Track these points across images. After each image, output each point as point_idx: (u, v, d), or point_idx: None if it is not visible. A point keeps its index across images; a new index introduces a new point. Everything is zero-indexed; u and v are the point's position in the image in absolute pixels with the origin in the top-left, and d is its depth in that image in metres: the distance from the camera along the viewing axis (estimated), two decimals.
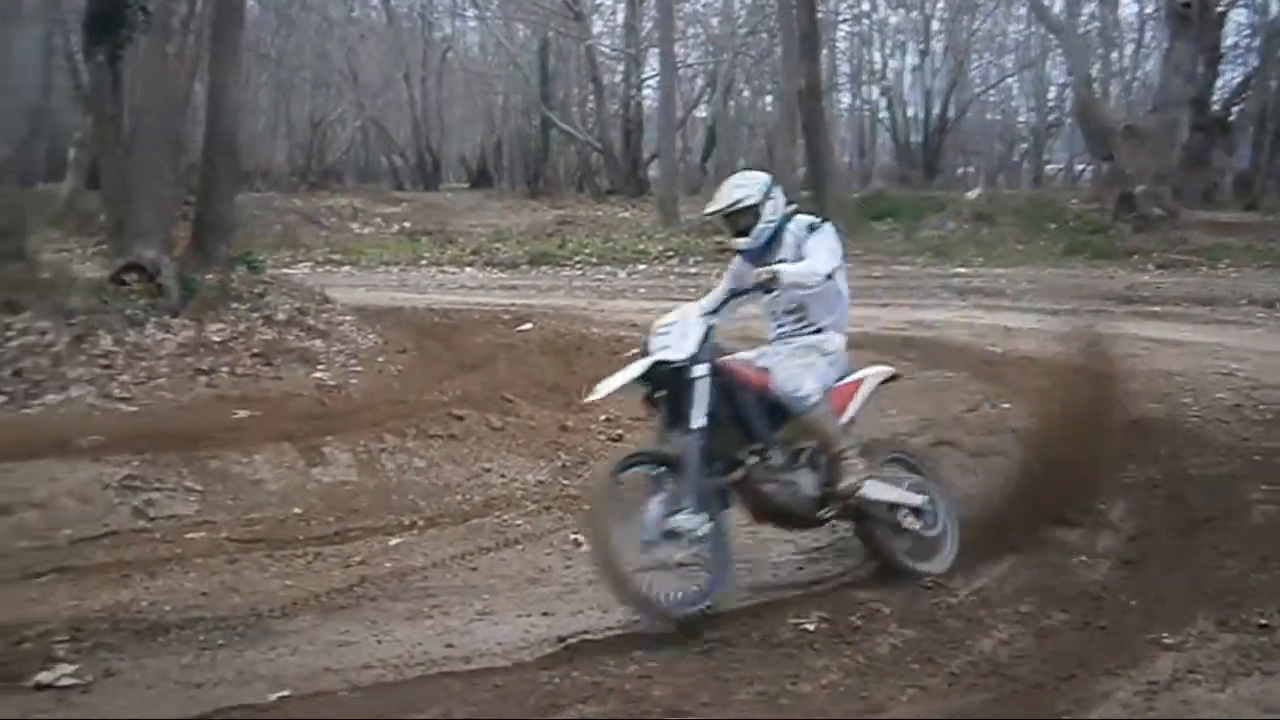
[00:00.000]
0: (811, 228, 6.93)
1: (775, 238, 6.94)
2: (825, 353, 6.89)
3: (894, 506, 6.75)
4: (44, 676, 5.41)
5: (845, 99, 52.12)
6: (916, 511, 6.80)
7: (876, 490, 6.68)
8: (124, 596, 6.39)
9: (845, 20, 48.21)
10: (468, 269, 25.97)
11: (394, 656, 5.73)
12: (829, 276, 6.82)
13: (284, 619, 6.18)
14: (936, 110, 46.77)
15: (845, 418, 6.83)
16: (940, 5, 47.60)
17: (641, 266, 25.33)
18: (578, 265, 25.89)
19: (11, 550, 7.10)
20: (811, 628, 5.89)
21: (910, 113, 48.41)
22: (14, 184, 22.97)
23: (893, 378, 7.40)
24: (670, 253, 26.66)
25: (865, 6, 48.30)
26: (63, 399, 11.06)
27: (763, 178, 7.09)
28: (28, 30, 41.90)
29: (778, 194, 7.02)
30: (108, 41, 17.56)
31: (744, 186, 6.98)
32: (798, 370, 6.69)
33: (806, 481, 6.57)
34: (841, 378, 6.96)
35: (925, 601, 6.22)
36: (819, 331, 7.01)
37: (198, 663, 5.63)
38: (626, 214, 35.61)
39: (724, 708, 5.08)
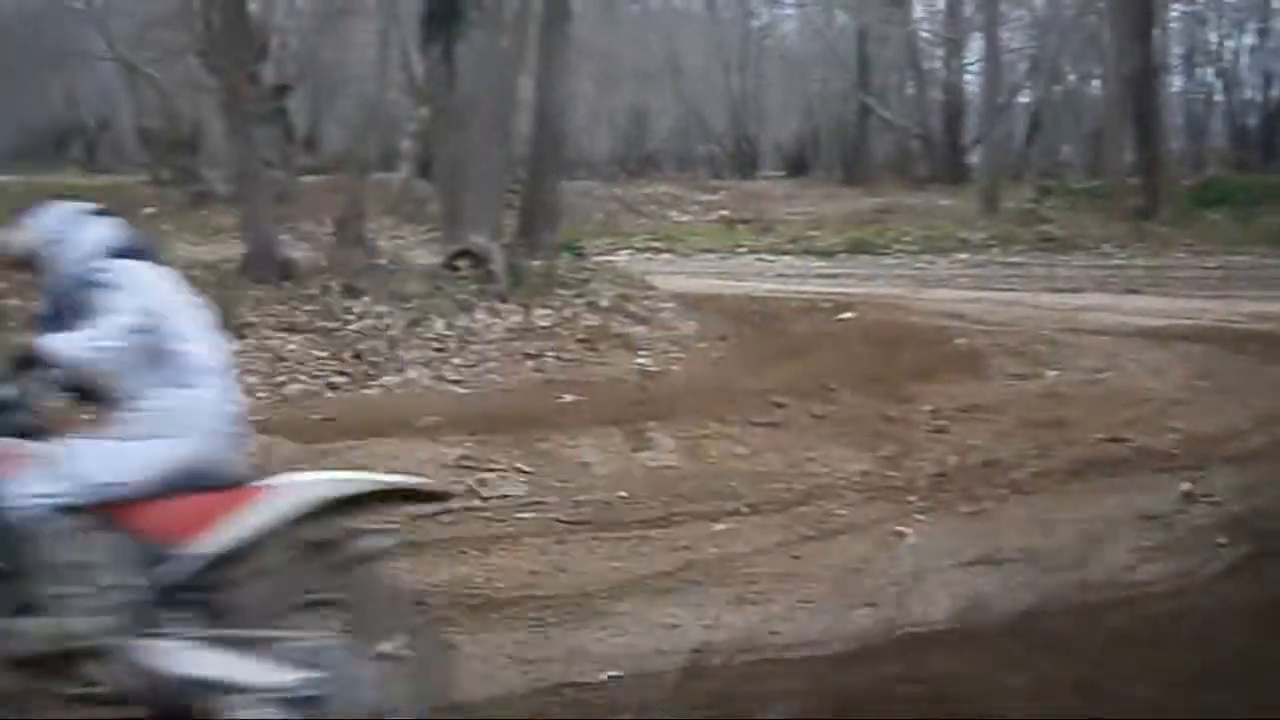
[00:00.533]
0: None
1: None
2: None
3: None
4: (385, 647, 5.61)
5: (1177, 81, 50.00)
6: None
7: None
8: (460, 572, 6.58)
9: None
10: (785, 257, 25.97)
11: (719, 640, 5.75)
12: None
13: (612, 600, 6.27)
14: (1276, 92, 44.42)
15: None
16: None
17: (963, 255, 24.89)
18: (897, 253, 25.61)
19: None
20: None
21: (1247, 95, 46.15)
22: (352, 174, 23.92)
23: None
24: (992, 241, 26.11)
25: None
26: (399, 380, 11.53)
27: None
28: (365, 26, 43.80)
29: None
30: (443, 36, 18.18)
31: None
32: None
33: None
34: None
35: None
36: None
37: (530, 639, 5.76)
38: (946, 202, 34.97)
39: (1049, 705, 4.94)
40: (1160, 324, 14.08)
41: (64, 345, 4.32)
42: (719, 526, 7.55)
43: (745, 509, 7.88)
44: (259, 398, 10.77)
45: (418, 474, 8.10)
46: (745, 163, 48.80)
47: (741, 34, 49.60)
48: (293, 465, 8.21)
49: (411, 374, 11.69)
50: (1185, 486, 7.86)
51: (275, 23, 36.46)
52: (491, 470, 8.30)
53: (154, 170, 39.42)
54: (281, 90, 36.17)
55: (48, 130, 59.41)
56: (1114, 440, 9.20)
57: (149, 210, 31.54)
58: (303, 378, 11.30)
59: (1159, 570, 6.51)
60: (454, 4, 17.83)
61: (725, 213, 34.93)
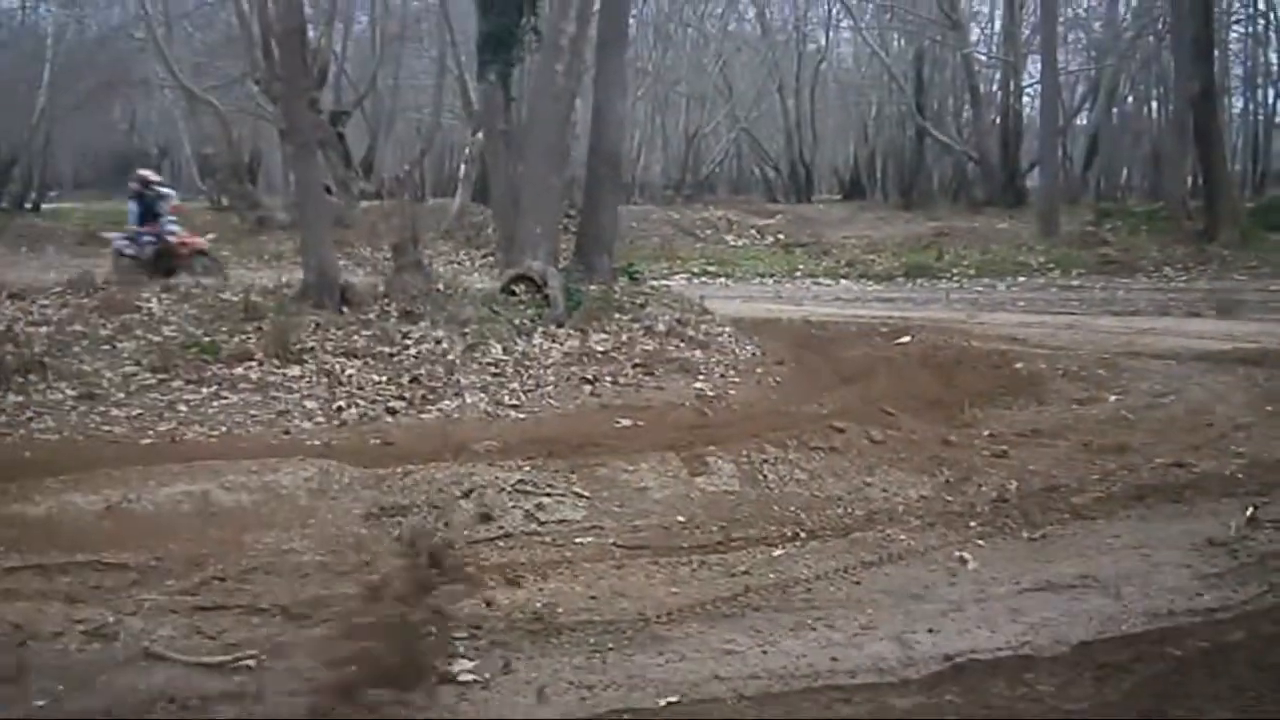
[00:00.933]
0: None
1: None
2: None
3: None
4: (445, 669, 5.63)
5: (1238, 103, 49.63)
6: None
7: None
8: (519, 597, 6.57)
9: (1239, 20, 45.92)
10: (843, 281, 25.97)
11: (779, 667, 5.72)
12: None
13: (671, 625, 6.25)
14: None
15: None
16: None
17: (1021, 279, 24.82)
18: (954, 277, 25.55)
19: (414, 549, 7.42)
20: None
21: None
22: (410, 199, 24.10)
23: None
24: (1051, 265, 26.03)
25: (1261, 6, 45.89)
26: (457, 405, 11.56)
27: None
28: (422, 52, 44.16)
29: None
30: (499, 62, 18.31)
31: None
32: None
33: None
34: None
35: None
36: None
37: (589, 664, 5.75)
38: (1004, 225, 34.82)
39: None
40: (1223, 347, 13.95)
41: None
42: (778, 551, 7.52)
43: (804, 534, 7.85)
44: (318, 422, 10.85)
45: (475, 499, 8.19)
46: (801, 186, 48.74)
47: (797, 57, 49.56)
48: (351, 490, 8.31)
49: (469, 399, 11.72)
50: (1250, 511, 7.77)
51: (333, 50, 36.79)
52: (549, 495, 8.30)
53: (214, 196, 39.81)
54: (339, 116, 36.48)
55: (110, 157, 60.27)
56: (1177, 465, 9.12)
57: (209, 236, 31.84)
58: (361, 402, 11.36)
59: (1223, 597, 6.43)
60: (510, 30, 17.96)
61: (781, 236, 34.94)
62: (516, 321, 13.67)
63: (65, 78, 40.01)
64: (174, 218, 19.85)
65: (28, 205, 40.03)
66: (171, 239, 19.27)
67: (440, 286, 15.04)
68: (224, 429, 10.73)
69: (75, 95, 41.97)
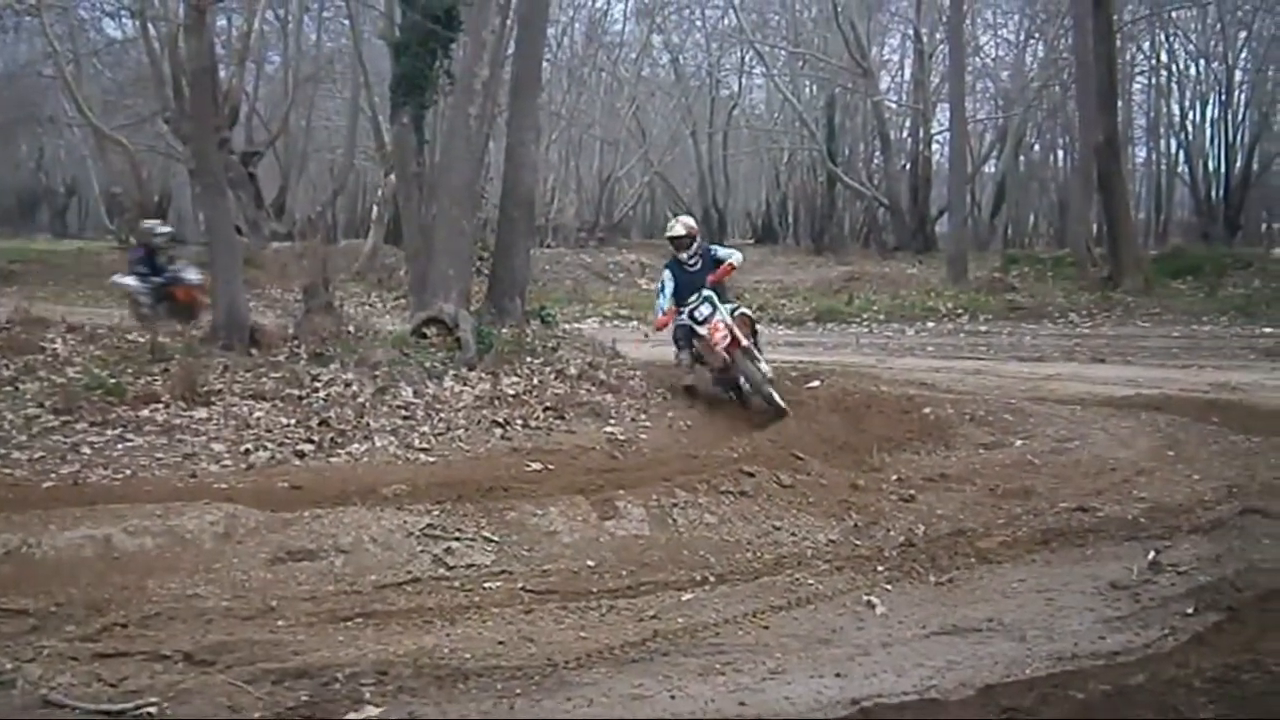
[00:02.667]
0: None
1: None
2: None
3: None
4: (352, 718, 5.57)
5: (1141, 153, 50.65)
6: None
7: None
8: (426, 642, 6.53)
9: (1143, 72, 46.98)
10: None
11: (687, 712, 5.71)
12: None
13: (579, 670, 6.23)
14: (1239, 164, 44.98)
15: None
16: (1244, 56, 45.91)
17: (930, 324, 25.05)
18: (865, 322, 25.77)
19: (320, 594, 7.36)
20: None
21: (1211, 166, 46.72)
22: (322, 239, 23.99)
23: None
24: (960, 310, 26.30)
25: (1163, 58, 46.90)
26: (366, 448, 11.47)
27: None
28: (334, 93, 44.03)
29: None
30: (412, 104, 18.31)
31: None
32: None
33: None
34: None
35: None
36: None
37: (496, 710, 5.72)
38: (914, 270, 35.27)
39: None
40: (1126, 393, 14.16)
41: None
42: (687, 596, 7.52)
43: (714, 578, 7.86)
44: (225, 465, 10.72)
45: (383, 543, 8.14)
46: (714, 230, 49.06)
47: (710, 102, 50.01)
48: (257, 534, 8.22)
49: (379, 442, 11.63)
50: (1152, 556, 7.88)
51: (245, 89, 36.58)
52: (458, 539, 8.27)
53: (122, 236, 39.36)
54: (251, 156, 36.27)
55: (16, 194, 59.51)
56: (1081, 509, 9.21)
57: (116, 276, 31.47)
58: (269, 445, 11.24)
59: (1126, 640, 6.51)
60: (423, 72, 17.96)
61: None
62: (427, 364, 13.60)
63: None
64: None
65: None
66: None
67: (351, 328, 14.95)
68: (128, 472, 10.55)
69: None
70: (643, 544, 8.61)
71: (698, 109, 49.56)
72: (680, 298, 13.70)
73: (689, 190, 51.72)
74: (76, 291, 28.71)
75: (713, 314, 13.22)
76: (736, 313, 13.59)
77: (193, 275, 18.29)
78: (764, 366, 13.36)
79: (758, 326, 14.53)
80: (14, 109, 42.35)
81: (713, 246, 14.45)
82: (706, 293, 13.41)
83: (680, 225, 14.39)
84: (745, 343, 13.27)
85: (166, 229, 20.19)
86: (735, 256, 13.97)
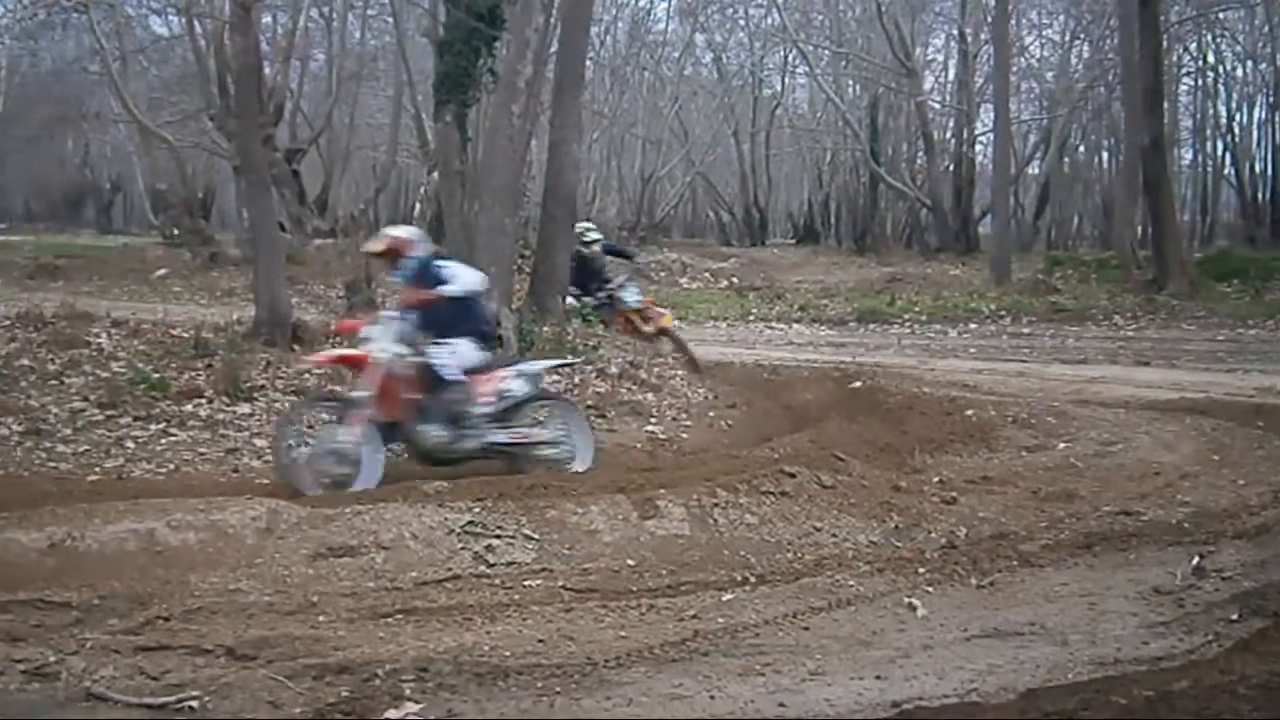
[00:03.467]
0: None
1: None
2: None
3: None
4: (392, 714, 5.57)
5: (1187, 154, 50.27)
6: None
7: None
8: (466, 640, 6.52)
9: (1189, 73, 46.61)
10: (795, 325, 26.05)
11: (726, 712, 5.68)
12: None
13: (618, 669, 6.21)
14: None
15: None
16: None
17: (973, 325, 24.95)
18: (907, 323, 25.68)
19: (361, 590, 7.38)
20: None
21: (1257, 168, 46.31)
22: (364, 237, 24.03)
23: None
24: (1003, 312, 26.18)
25: (1210, 59, 46.53)
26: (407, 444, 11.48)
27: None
28: (379, 91, 44.17)
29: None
30: (455, 102, 18.38)
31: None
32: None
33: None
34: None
35: None
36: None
37: (535, 709, 5.71)
38: (956, 271, 35.13)
39: None
40: (1171, 396, 14.06)
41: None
42: (727, 596, 7.49)
43: (754, 578, 7.82)
44: (267, 461, 10.77)
45: (424, 540, 8.16)
46: (755, 230, 49.07)
47: (752, 102, 49.91)
48: (299, 530, 8.25)
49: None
50: (1196, 561, 7.82)
51: (290, 87, 36.74)
52: (499, 536, 8.26)
53: (166, 232, 39.61)
54: (294, 153, 36.41)
55: (62, 191, 60.01)
56: (1124, 514, 9.15)
57: (161, 272, 31.73)
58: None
59: (1170, 645, 6.45)
60: (467, 71, 18.03)
61: (735, 280, 35.11)
62: None
63: (18, 110, 39.84)
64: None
65: None
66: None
67: None
68: (172, 466, 10.64)
69: (28, 128, 41.77)
70: (683, 543, 8.59)
71: (740, 108, 49.48)
72: None
73: (730, 190, 51.68)
74: (121, 286, 28.95)
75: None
76: None
77: (631, 295, 16.92)
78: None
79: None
80: (61, 106, 42.64)
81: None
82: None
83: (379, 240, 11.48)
84: None
85: (594, 233, 17.88)
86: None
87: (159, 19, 41.77)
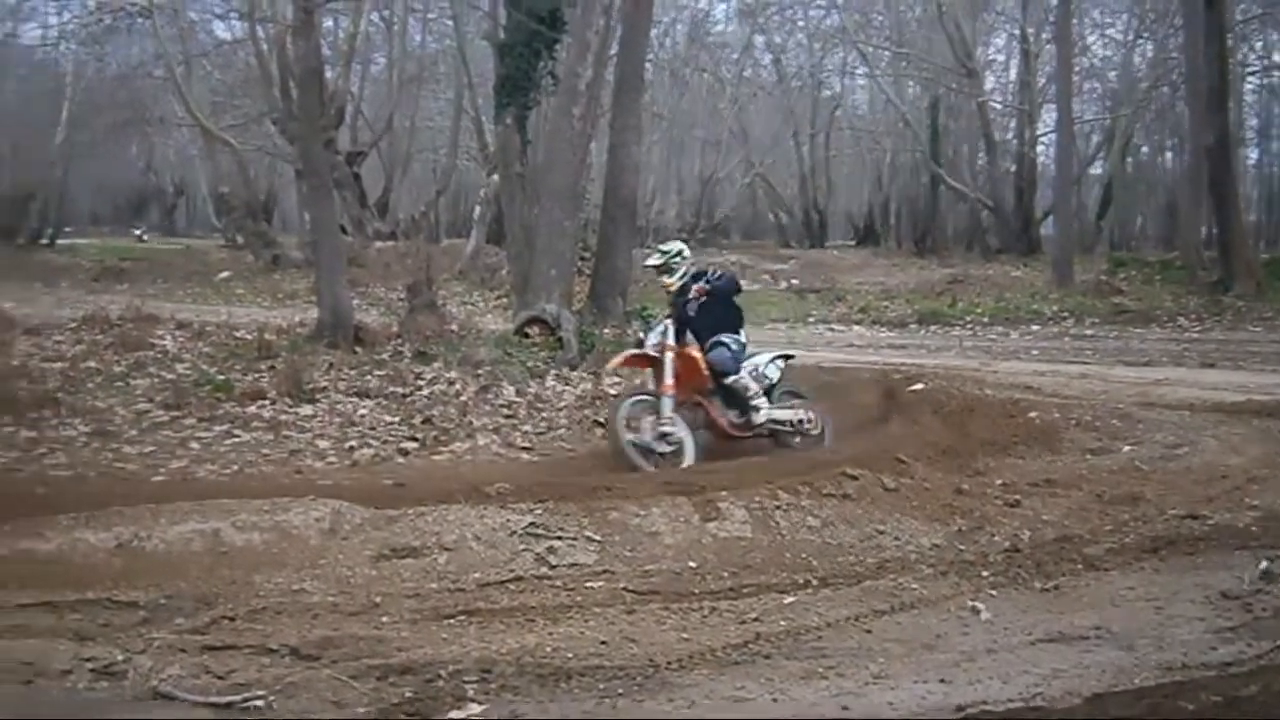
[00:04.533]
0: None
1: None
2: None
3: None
4: (455, 715, 5.58)
5: (1253, 154, 49.71)
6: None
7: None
8: (528, 641, 6.53)
9: (1254, 72, 46.04)
10: (856, 327, 25.97)
11: (789, 715, 5.67)
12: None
13: (680, 671, 6.20)
14: None
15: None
16: None
17: (1035, 327, 24.78)
18: (968, 325, 25.53)
19: (424, 591, 7.40)
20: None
21: None
22: (425, 239, 24.19)
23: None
24: (1065, 314, 25.99)
25: (1276, 58, 45.98)
26: (469, 446, 11.57)
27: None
28: (439, 94, 44.39)
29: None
30: (516, 105, 18.43)
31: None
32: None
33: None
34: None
35: None
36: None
37: (598, 710, 5.71)
38: (1018, 273, 34.89)
39: None
40: (1237, 399, 13.90)
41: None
42: (789, 599, 7.47)
43: (816, 581, 7.80)
44: (330, 462, 10.84)
45: (486, 541, 8.18)
46: (815, 232, 48.90)
47: (812, 103, 49.76)
48: (362, 531, 8.29)
49: (481, 440, 11.75)
50: (1264, 565, 7.72)
51: (351, 90, 36.98)
52: (560, 538, 8.28)
53: (229, 235, 39.97)
54: (355, 156, 36.65)
55: (126, 194, 60.65)
56: (1191, 517, 9.06)
57: (224, 274, 32.03)
58: (374, 442, 11.38)
59: (1238, 651, 6.38)
60: (527, 74, 18.07)
61: (794, 282, 35.01)
62: (529, 364, 13.71)
63: (84, 115, 40.29)
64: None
65: (43, 241, 40.25)
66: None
67: (454, 327, 15.08)
68: (236, 467, 10.73)
69: (93, 132, 42.23)
70: (744, 546, 8.56)
71: (800, 109, 49.32)
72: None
73: (790, 191, 51.49)
74: (184, 289, 29.24)
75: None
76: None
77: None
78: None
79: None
80: (125, 110, 43.04)
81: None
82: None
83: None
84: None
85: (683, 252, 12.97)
86: None
87: (222, 24, 42.22)
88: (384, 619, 6.81)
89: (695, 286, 11.98)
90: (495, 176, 26.96)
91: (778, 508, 9.06)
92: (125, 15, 34.97)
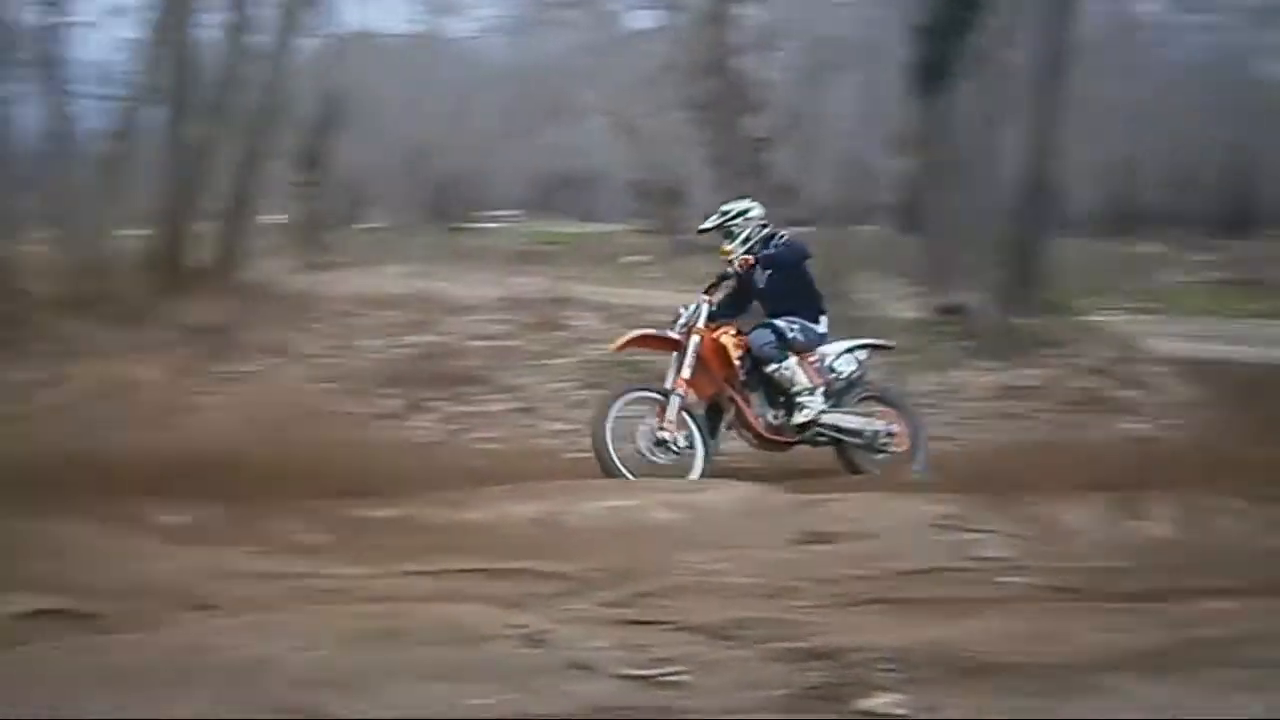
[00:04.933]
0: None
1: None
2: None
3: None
4: (867, 703, 5.54)
5: None
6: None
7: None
8: (944, 634, 6.40)
9: None
10: None
11: None
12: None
13: (1104, 674, 5.97)
14: None
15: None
16: None
17: None
18: None
19: (838, 577, 7.39)
20: None
21: None
22: (830, 225, 24.23)
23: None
24: None
25: None
26: None
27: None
28: (848, 79, 44.30)
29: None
30: (930, 89, 18.14)
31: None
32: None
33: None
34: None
35: None
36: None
37: (1020, 709, 5.55)
38: None
39: None
40: None
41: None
42: (1217, 605, 7.09)
43: (1249, 589, 7.38)
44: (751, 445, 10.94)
45: (900, 530, 8.11)
46: (1242, 221, 46.43)
47: (1243, 81, 47.29)
48: (777, 515, 8.35)
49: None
50: None
51: (762, 76, 37.31)
52: (978, 530, 8.14)
53: (642, 220, 40.93)
54: (765, 143, 36.94)
55: (542, 180, 63.06)
56: None
57: (637, 258, 32.86)
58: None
59: None
60: (946, 57, 17.77)
61: (1220, 273, 33.32)
62: (943, 352, 13.54)
63: (506, 104, 42.06)
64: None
65: (467, 225, 42.22)
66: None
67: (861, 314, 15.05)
68: None
69: (514, 120, 44.00)
70: (1170, 547, 8.22)
71: (1228, 89, 46.85)
72: None
73: (1215, 177, 49.04)
74: (598, 272, 30.10)
75: None
76: None
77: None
78: None
79: None
80: (543, 100, 44.55)
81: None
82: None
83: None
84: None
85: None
86: None
87: (635, 14, 43.22)
88: (798, 603, 6.83)
89: (740, 257, 10.43)
90: (908, 162, 26.67)
91: (1208, 509, 8.65)
92: (549, 6, 36.24)
